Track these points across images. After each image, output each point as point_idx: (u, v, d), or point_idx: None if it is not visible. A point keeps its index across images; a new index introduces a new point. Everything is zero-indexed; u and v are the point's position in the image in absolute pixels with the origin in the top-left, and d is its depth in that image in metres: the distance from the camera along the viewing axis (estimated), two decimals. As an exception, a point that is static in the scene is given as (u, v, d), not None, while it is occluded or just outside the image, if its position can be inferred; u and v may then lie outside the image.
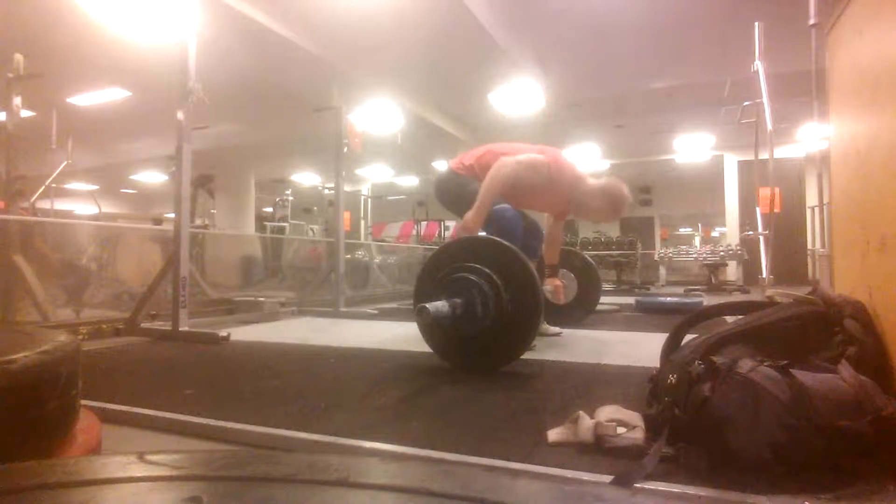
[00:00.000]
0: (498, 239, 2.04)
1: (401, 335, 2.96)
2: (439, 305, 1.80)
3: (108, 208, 13.32)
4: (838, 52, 1.66)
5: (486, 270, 1.87)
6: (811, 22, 3.22)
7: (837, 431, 0.90)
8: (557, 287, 2.87)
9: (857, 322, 1.19)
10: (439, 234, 12.03)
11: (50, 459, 0.59)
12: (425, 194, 12.40)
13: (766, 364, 1.00)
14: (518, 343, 1.92)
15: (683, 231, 19.03)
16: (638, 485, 0.90)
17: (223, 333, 2.71)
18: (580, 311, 3.37)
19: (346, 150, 4.46)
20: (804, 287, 2.04)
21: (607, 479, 0.94)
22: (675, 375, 1.13)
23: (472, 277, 1.86)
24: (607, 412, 1.22)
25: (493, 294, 1.84)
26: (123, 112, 7.62)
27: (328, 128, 4.54)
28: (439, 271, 1.96)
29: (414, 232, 12.29)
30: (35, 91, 4.60)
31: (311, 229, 10.95)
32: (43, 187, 5.54)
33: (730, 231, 10.62)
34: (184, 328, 2.84)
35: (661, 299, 4.66)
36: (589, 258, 3.52)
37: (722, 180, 10.80)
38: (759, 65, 4.03)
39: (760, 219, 4.56)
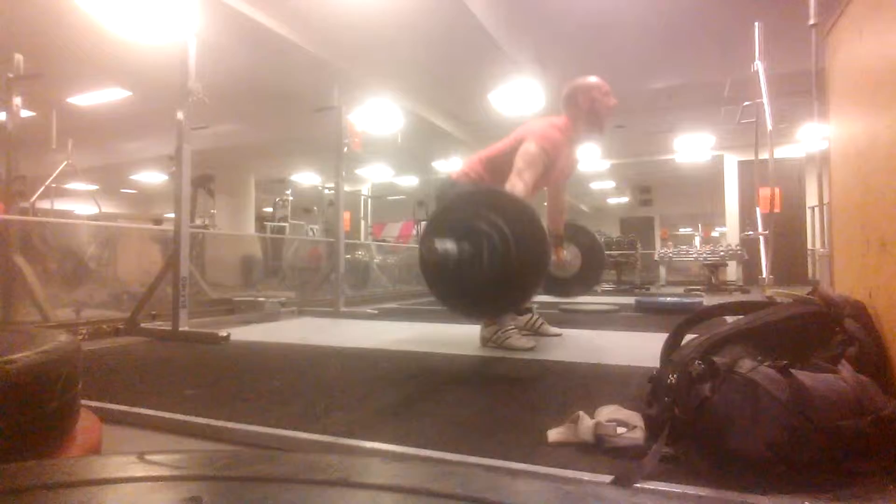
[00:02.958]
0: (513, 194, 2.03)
1: (401, 335, 2.96)
2: (448, 245, 1.78)
3: (108, 208, 13.32)
4: (838, 52, 1.66)
5: (497, 220, 1.82)
6: (811, 22, 3.22)
7: (837, 431, 0.90)
8: (560, 258, 2.89)
9: (857, 322, 1.19)
10: (439, 234, 12.00)
11: (50, 459, 0.59)
12: (425, 194, 12.39)
13: (766, 364, 1.00)
14: (520, 293, 1.89)
15: (683, 231, 19.02)
16: (638, 485, 0.90)
17: (223, 333, 2.71)
18: (579, 287, 3.27)
19: (346, 150, 4.46)
20: (804, 287, 2.04)
21: (607, 479, 0.94)
22: (675, 375, 1.13)
23: (483, 225, 1.82)
24: (607, 412, 1.22)
25: (500, 242, 1.80)
26: (123, 112, 7.62)
27: (328, 128, 4.54)
28: (451, 214, 1.94)
29: (414, 232, 12.29)
30: (35, 91, 4.62)
31: (311, 229, 10.93)
32: (43, 187, 5.55)
33: (730, 231, 10.61)
34: (184, 328, 2.84)
35: (661, 299, 4.66)
36: (598, 238, 3.36)
37: (722, 180, 10.79)
38: (759, 65, 4.03)
39: (760, 219, 4.55)
